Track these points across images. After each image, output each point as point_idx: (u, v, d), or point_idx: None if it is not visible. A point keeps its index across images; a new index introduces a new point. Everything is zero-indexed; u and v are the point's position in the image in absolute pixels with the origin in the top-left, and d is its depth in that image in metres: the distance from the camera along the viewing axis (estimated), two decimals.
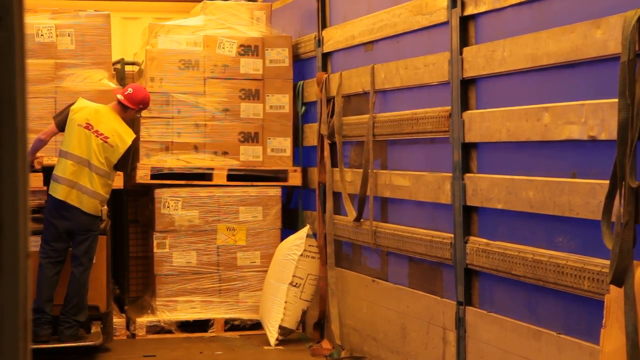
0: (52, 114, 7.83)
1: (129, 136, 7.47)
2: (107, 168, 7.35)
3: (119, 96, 7.47)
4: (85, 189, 7.25)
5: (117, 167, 7.45)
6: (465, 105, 5.67)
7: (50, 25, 8.08)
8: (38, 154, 7.53)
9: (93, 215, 7.31)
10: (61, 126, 7.38)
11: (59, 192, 7.24)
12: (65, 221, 7.25)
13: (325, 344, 7.54)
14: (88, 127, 7.32)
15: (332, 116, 7.59)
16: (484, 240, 5.45)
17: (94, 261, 7.39)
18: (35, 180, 7.62)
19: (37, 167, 7.52)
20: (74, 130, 7.31)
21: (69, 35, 8.12)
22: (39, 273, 7.25)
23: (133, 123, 7.97)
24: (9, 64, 1.40)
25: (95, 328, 7.50)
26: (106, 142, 7.33)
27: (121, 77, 8.79)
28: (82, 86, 8.09)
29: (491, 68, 5.33)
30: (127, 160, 7.49)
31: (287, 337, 7.86)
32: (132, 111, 7.53)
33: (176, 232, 8.23)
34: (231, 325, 8.29)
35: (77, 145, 7.28)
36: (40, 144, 7.43)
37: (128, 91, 7.50)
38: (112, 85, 8.22)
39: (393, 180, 6.59)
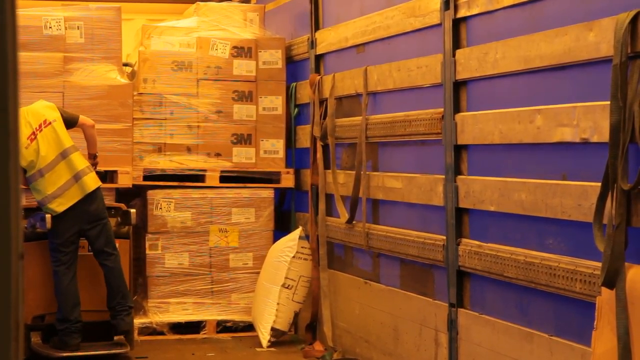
0: (59, 109, 7.64)
1: (45, 101, 7.25)
2: (71, 142, 7.13)
3: None
4: (81, 172, 7.06)
5: (69, 125, 7.20)
6: (457, 108, 5.67)
7: (59, 17, 7.80)
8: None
9: (98, 204, 7.14)
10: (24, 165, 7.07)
11: (67, 200, 7.04)
12: (71, 221, 7.06)
13: (318, 346, 7.54)
14: (35, 132, 7.05)
15: (324, 118, 7.59)
16: (476, 242, 5.45)
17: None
18: None
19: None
20: (35, 144, 7.04)
21: (78, 28, 7.85)
22: (55, 283, 7.08)
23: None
24: (1, 66, 1.40)
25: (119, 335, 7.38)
26: (51, 123, 7.10)
27: None
28: (91, 81, 7.87)
29: (484, 70, 5.33)
30: (66, 114, 7.25)
31: (279, 338, 7.85)
32: None
33: (168, 234, 8.22)
34: (223, 326, 8.28)
35: (45, 153, 7.03)
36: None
37: None
38: (122, 80, 7.99)
39: (385, 182, 6.60)
